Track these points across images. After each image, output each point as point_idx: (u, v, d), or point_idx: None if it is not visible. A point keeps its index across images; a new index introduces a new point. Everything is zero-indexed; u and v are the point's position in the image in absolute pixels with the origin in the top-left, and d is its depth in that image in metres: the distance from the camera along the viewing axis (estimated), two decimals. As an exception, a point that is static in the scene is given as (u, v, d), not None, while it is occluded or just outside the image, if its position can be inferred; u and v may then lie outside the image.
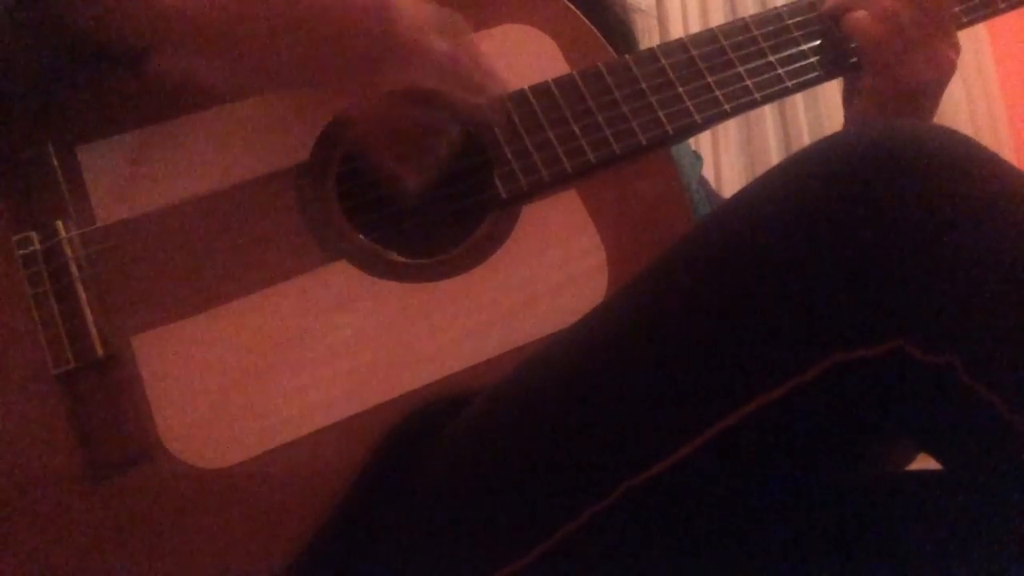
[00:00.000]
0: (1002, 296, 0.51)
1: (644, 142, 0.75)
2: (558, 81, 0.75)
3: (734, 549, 0.62)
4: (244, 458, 0.64)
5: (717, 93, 0.77)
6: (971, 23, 0.86)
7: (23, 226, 0.66)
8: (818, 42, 0.82)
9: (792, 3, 0.83)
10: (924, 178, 0.53)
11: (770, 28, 0.81)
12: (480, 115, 0.70)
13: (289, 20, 0.63)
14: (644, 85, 0.76)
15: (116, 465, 0.63)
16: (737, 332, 0.56)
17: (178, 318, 0.66)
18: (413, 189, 0.68)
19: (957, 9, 0.83)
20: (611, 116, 0.75)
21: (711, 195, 0.97)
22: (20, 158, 0.68)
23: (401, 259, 0.71)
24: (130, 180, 0.68)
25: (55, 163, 0.68)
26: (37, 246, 0.66)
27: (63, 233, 0.66)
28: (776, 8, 0.82)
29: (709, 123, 0.78)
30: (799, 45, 0.81)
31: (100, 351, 0.64)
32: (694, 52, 0.78)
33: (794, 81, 0.80)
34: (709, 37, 0.79)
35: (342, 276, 0.69)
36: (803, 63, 0.81)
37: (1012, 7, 0.87)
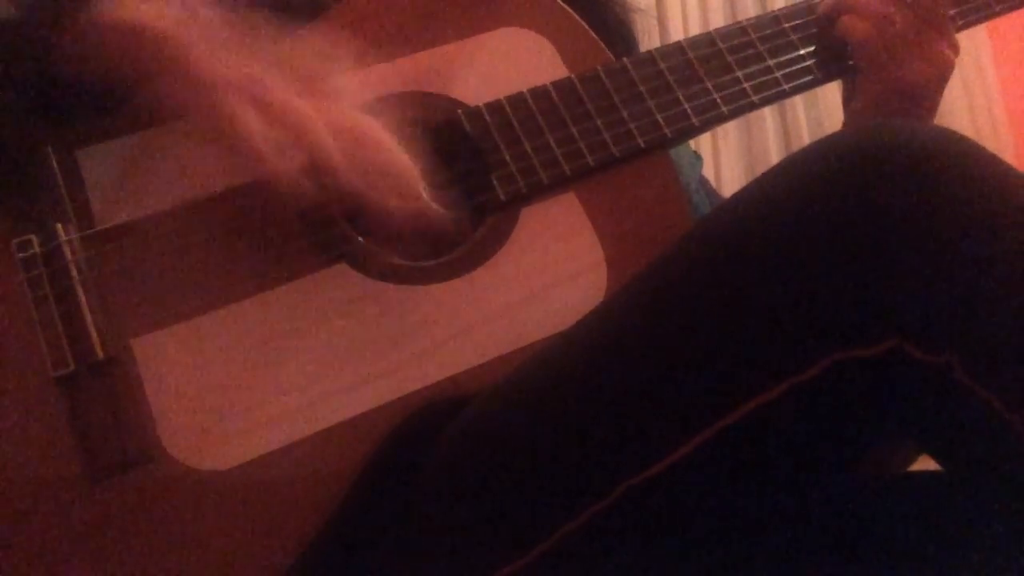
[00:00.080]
0: (1000, 296, 0.51)
1: (642, 145, 0.75)
2: (556, 84, 0.76)
3: (734, 549, 0.62)
4: (244, 460, 0.64)
5: (715, 96, 0.78)
6: (967, 26, 0.86)
7: (23, 229, 0.66)
8: (815, 45, 0.82)
9: (789, 6, 0.84)
10: (922, 178, 0.53)
11: (767, 31, 0.81)
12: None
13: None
14: (642, 88, 0.76)
15: (116, 467, 0.63)
16: (735, 331, 0.56)
17: (178, 321, 0.66)
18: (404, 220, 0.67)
19: (953, 12, 0.84)
20: (609, 119, 0.75)
21: (711, 195, 0.98)
22: (20, 161, 0.68)
23: (401, 262, 0.71)
24: (130, 183, 0.69)
25: (55, 166, 0.68)
26: (37, 249, 0.66)
27: (63, 236, 0.66)
28: (773, 11, 0.83)
29: (707, 126, 0.78)
30: (796, 49, 0.81)
31: (100, 353, 0.64)
32: (692, 55, 0.79)
33: (791, 84, 0.80)
34: (707, 40, 0.80)
35: (342, 279, 0.69)
36: (800, 66, 0.81)
37: (1008, 10, 0.87)
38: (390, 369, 0.67)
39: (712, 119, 0.78)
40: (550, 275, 0.72)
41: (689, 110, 0.77)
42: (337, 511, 0.64)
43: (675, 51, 0.79)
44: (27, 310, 0.65)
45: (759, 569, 0.62)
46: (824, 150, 0.57)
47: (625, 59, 0.78)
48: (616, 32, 0.90)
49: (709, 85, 0.78)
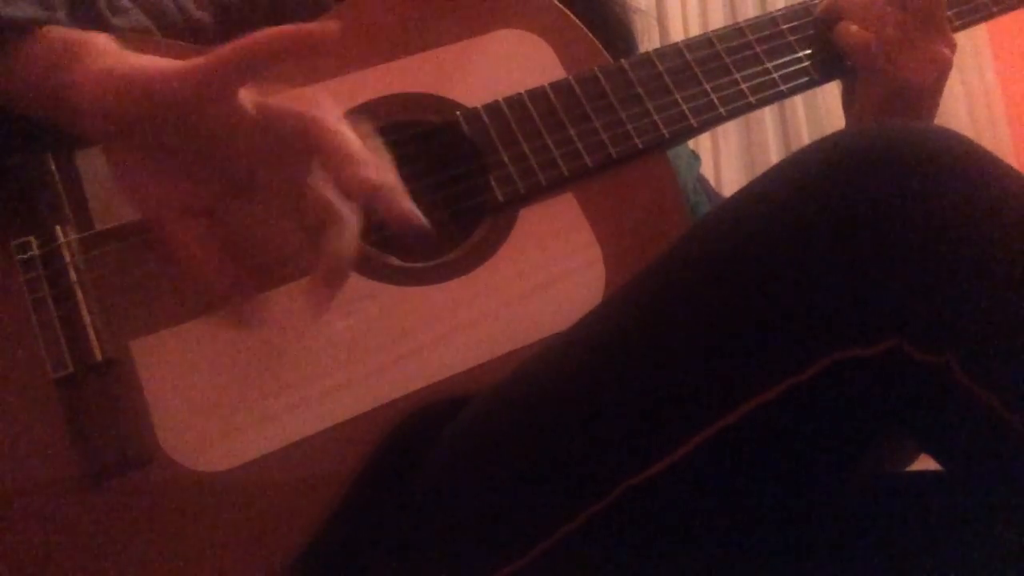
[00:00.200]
0: (998, 296, 0.51)
1: (640, 145, 0.75)
2: (554, 86, 0.76)
3: (734, 549, 0.62)
4: (243, 461, 0.64)
5: (713, 97, 0.78)
6: (964, 26, 0.86)
7: (22, 231, 0.66)
8: (813, 47, 0.82)
9: (787, 8, 0.84)
10: (922, 178, 0.53)
11: (765, 33, 0.81)
12: None
13: None
14: (640, 89, 0.77)
15: (115, 469, 0.63)
16: (735, 331, 0.56)
17: (177, 322, 0.66)
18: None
19: (950, 12, 0.84)
20: (607, 120, 0.75)
21: (709, 194, 0.98)
22: (19, 163, 0.68)
23: (399, 263, 0.71)
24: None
25: (53, 168, 0.68)
26: (36, 251, 0.66)
27: (62, 238, 0.66)
28: (771, 13, 0.83)
29: (705, 127, 0.78)
30: (794, 51, 0.81)
31: (99, 355, 0.64)
32: (689, 57, 0.79)
33: (789, 85, 0.80)
34: (704, 42, 0.80)
35: None
36: (798, 67, 0.81)
37: (1006, 10, 0.87)
38: (389, 369, 0.67)
39: (710, 120, 0.78)
40: (548, 275, 0.72)
41: (687, 111, 0.77)
42: (337, 511, 0.64)
43: (673, 52, 0.79)
44: (26, 312, 0.65)
45: (759, 569, 0.62)
46: (824, 150, 0.57)
47: (623, 60, 0.78)
48: (615, 33, 0.90)
49: (707, 86, 0.78)
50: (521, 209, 0.73)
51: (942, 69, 0.81)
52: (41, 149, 0.68)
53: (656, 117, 0.76)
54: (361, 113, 0.73)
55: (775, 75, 0.80)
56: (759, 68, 0.80)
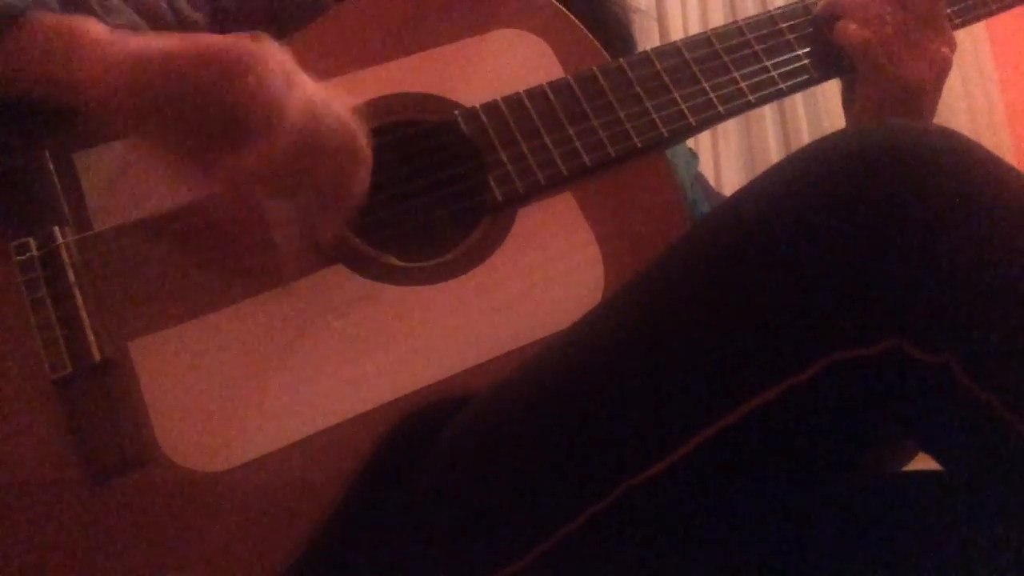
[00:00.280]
0: (999, 296, 0.51)
1: (639, 144, 0.75)
2: (553, 85, 0.76)
3: (734, 549, 0.62)
4: (242, 462, 0.64)
5: (711, 96, 0.78)
6: (963, 24, 0.86)
7: (20, 232, 0.66)
8: (811, 45, 0.82)
9: (786, 6, 0.84)
10: (922, 178, 0.53)
11: (764, 31, 0.81)
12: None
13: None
14: (639, 88, 0.76)
15: (113, 469, 0.63)
16: (735, 331, 0.56)
17: (175, 323, 0.66)
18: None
19: (949, 11, 0.84)
20: (606, 119, 0.75)
21: (708, 192, 0.98)
22: (17, 164, 0.68)
23: (398, 263, 0.71)
24: (127, 186, 0.68)
25: (52, 169, 0.68)
26: (34, 252, 0.66)
27: (60, 239, 0.66)
28: (770, 11, 0.83)
29: (704, 125, 0.78)
30: (793, 49, 0.82)
31: (97, 356, 0.64)
32: (688, 56, 0.79)
33: (788, 83, 0.80)
34: (703, 41, 0.80)
35: (339, 280, 0.69)
36: (797, 65, 0.81)
37: (1005, 8, 0.87)
38: (388, 370, 0.67)
39: (709, 119, 0.78)
40: (547, 275, 0.72)
41: (686, 110, 0.77)
42: (337, 511, 0.64)
43: (672, 51, 0.79)
44: (24, 313, 0.65)
45: (759, 569, 0.62)
46: (824, 150, 0.57)
47: (622, 59, 0.78)
48: (614, 32, 0.90)
49: (706, 85, 0.78)
50: (520, 208, 0.73)
51: (942, 68, 0.81)
52: (39, 150, 0.68)
53: (655, 116, 0.76)
54: (361, 113, 0.73)
55: (774, 73, 0.80)
56: (758, 67, 0.80)
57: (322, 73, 0.73)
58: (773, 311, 0.55)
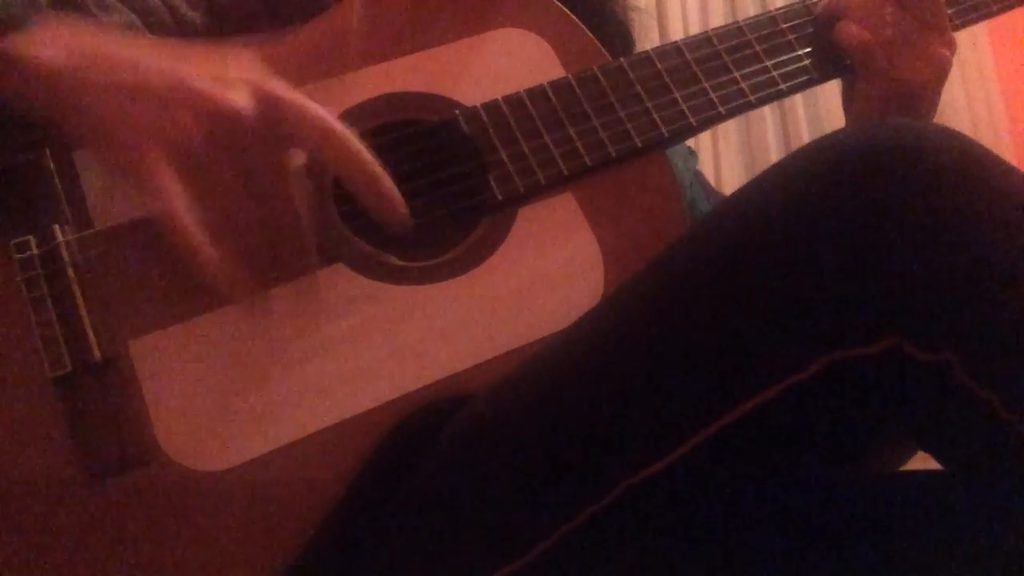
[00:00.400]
0: (999, 295, 0.51)
1: (640, 144, 0.75)
2: (553, 84, 0.76)
3: (734, 549, 0.62)
4: (242, 461, 0.64)
5: (712, 96, 0.78)
6: (964, 25, 0.86)
7: (20, 230, 0.66)
8: (812, 46, 0.82)
9: (787, 7, 0.84)
10: (922, 177, 0.53)
11: (765, 32, 0.81)
12: None
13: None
14: (639, 88, 0.76)
15: (113, 468, 0.63)
16: (734, 331, 0.56)
17: (176, 321, 0.66)
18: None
19: (950, 12, 0.84)
20: (606, 119, 0.75)
21: (708, 190, 0.98)
22: (17, 163, 0.68)
23: (398, 262, 0.71)
24: (127, 185, 0.68)
25: (52, 168, 0.68)
26: (34, 250, 0.66)
27: (60, 237, 0.66)
28: (770, 11, 0.83)
29: (705, 125, 0.78)
30: (794, 49, 0.82)
31: (97, 354, 0.64)
32: (689, 56, 0.79)
33: (788, 84, 0.80)
34: (704, 41, 0.80)
35: (340, 279, 0.69)
36: (797, 66, 0.81)
37: (1005, 9, 0.87)
38: (388, 369, 0.67)
39: (709, 119, 0.78)
40: (547, 274, 0.72)
41: (686, 110, 0.77)
42: (336, 511, 0.64)
43: (672, 51, 0.79)
44: (25, 311, 0.65)
45: (759, 569, 0.62)
46: (824, 149, 0.57)
47: (622, 59, 0.78)
48: (615, 32, 0.90)
49: (706, 85, 0.78)
50: (520, 208, 0.73)
51: (941, 69, 0.81)
52: (39, 149, 0.68)
53: (655, 116, 0.76)
54: (361, 112, 0.73)
55: (774, 74, 0.80)
56: (758, 67, 0.80)
57: (322, 72, 0.74)
58: (773, 310, 0.55)
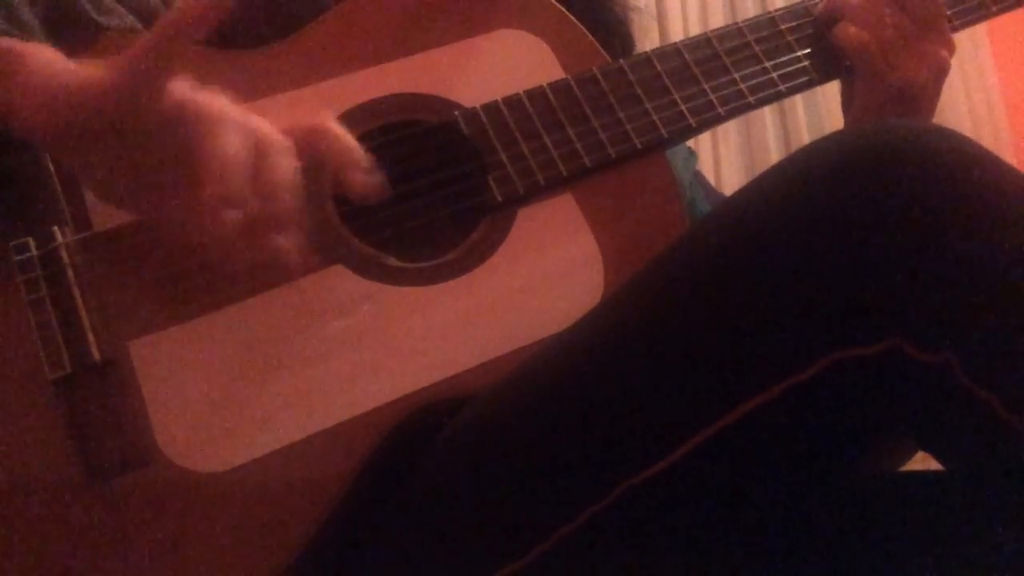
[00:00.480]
0: (999, 296, 0.51)
1: (639, 146, 0.75)
2: (553, 86, 0.76)
3: (733, 549, 0.62)
4: (242, 462, 0.64)
5: (711, 97, 0.78)
6: (963, 26, 0.86)
7: (20, 232, 0.66)
8: (812, 47, 0.82)
9: (786, 8, 0.84)
10: (922, 178, 0.53)
11: (764, 33, 0.81)
12: None
13: None
14: (639, 90, 0.77)
15: (113, 470, 0.63)
16: (735, 331, 0.56)
17: (175, 323, 0.66)
18: None
19: (949, 12, 0.84)
20: (606, 120, 0.75)
21: (708, 190, 0.98)
22: (17, 164, 0.68)
23: (398, 263, 0.71)
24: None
25: (51, 169, 0.68)
26: (34, 252, 0.66)
27: (60, 239, 0.66)
28: (770, 12, 0.83)
29: (704, 126, 0.78)
30: (793, 50, 0.82)
31: (97, 356, 0.64)
32: (688, 57, 0.79)
33: (787, 85, 0.80)
34: (703, 42, 0.80)
35: (339, 280, 0.69)
36: (797, 67, 0.81)
37: (1005, 10, 0.87)
38: (388, 370, 0.67)
39: (709, 120, 0.78)
40: (547, 275, 0.72)
41: (686, 111, 0.77)
42: (336, 512, 0.64)
43: (672, 53, 0.79)
44: (24, 313, 0.65)
45: (759, 569, 0.62)
46: (823, 150, 0.57)
47: (622, 61, 0.78)
48: (614, 33, 0.90)
49: (706, 86, 0.78)
50: (520, 209, 0.73)
51: (940, 70, 0.81)
52: (39, 150, 0.68)
53: (655, 117, 0.76)
54: (361, 113, 0.73)
55: (774, 75, 0.80)
56: (758, 68, 0.80)
57: (322, 73, 0.74)
58: (773, 311, 0.55)
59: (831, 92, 0.88)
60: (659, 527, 0.60)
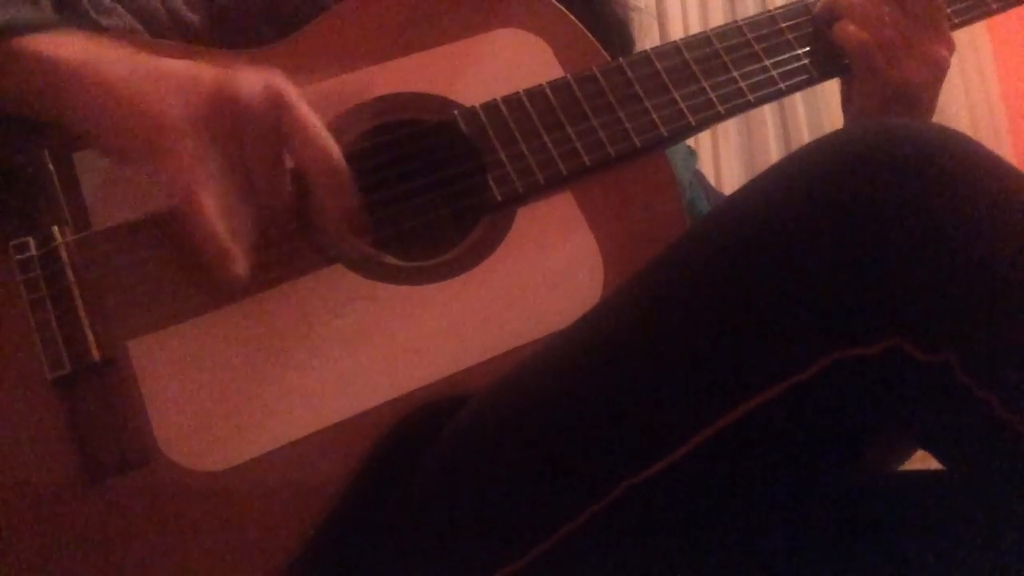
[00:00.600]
0: (999, 295, 0.51)
1: (639, 144, 0.75)
2: (552, 85, 0.76)
3: (734, 549, 0.62)
4: (241, 461, 0.64)
5: (711, 96, 0.78)
6: (963, 24, 0.86)
7: (19, 231, 0.66)
8: (811, 45, 0.82)
9: (786, 6, 0.84)
10: (922, 177, 0.53)
11: (764, 31, 0.81)
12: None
13: None
14: (638, 88, 0.77)
15: (112, 469, 0.63)
16: (735, 331, 0.56)
17: (174, 322, 0.66)
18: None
19: (949, 10, 0.84)
20: (605, 119, 0.75)
21: (708, 189, 0.98)
22: (17, 164, 0.68)
23: (397, 262, 0.71)
24: (126, 186, 0.68)
25: (51, 169, 0.68)
26: (33, 251, 0.66)
27: (59, 238, 0.66)
28: (770, 11, 0.83)
29: (704, 125, 0.78)
30: (793, 48, 0.82)
31: (96, 355, 0.64)
32: (688, 55, 0.79)
33: (787, 83, 0.80)
34: (703, 40, 0.80)
35: (338, 279, 0.69)
36: (796, 65, 0.81)
37: (1005, 8, 0.87)
38: (387, 369, 0.67)
39: (709, 118, 0.78)
40: (547, 274, 0.72)
41: (685, 110, 0.77)
42: (336, 511, 0.64)
43: (671, 51, 0.79)
44: (23, 312, 0.65)
45: (759, 569, 0.62)
46: (824, 149, 0.57)
47: (621, 59, 0.78)
48: (614, 31, 0.90)
49: (705, 85, 0.78)
50: (519, 208, 0.73)
51: (940, 69, 0.81)
52: (39, 150, 0.68)
53: (654, 116, 0.76)
54: (360, 112, 0.73)
55: (774, 73, 0.80)
56: (757, 66, 0.80)
57: (322, 73, 0.74)
58: (773, 310, 0.55)
59: (831, 92, 0.88)
60: (659, 526, 0.60)
